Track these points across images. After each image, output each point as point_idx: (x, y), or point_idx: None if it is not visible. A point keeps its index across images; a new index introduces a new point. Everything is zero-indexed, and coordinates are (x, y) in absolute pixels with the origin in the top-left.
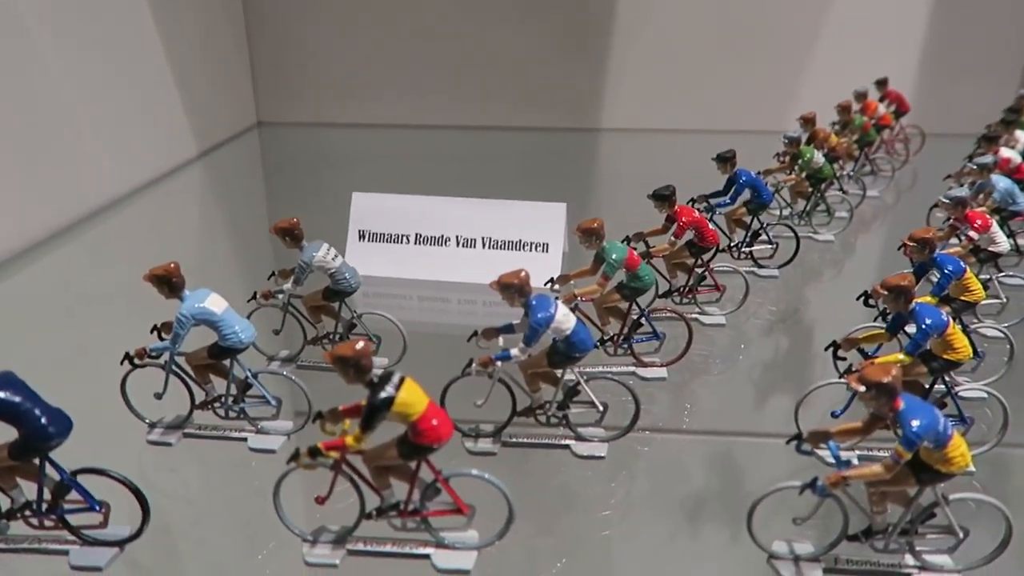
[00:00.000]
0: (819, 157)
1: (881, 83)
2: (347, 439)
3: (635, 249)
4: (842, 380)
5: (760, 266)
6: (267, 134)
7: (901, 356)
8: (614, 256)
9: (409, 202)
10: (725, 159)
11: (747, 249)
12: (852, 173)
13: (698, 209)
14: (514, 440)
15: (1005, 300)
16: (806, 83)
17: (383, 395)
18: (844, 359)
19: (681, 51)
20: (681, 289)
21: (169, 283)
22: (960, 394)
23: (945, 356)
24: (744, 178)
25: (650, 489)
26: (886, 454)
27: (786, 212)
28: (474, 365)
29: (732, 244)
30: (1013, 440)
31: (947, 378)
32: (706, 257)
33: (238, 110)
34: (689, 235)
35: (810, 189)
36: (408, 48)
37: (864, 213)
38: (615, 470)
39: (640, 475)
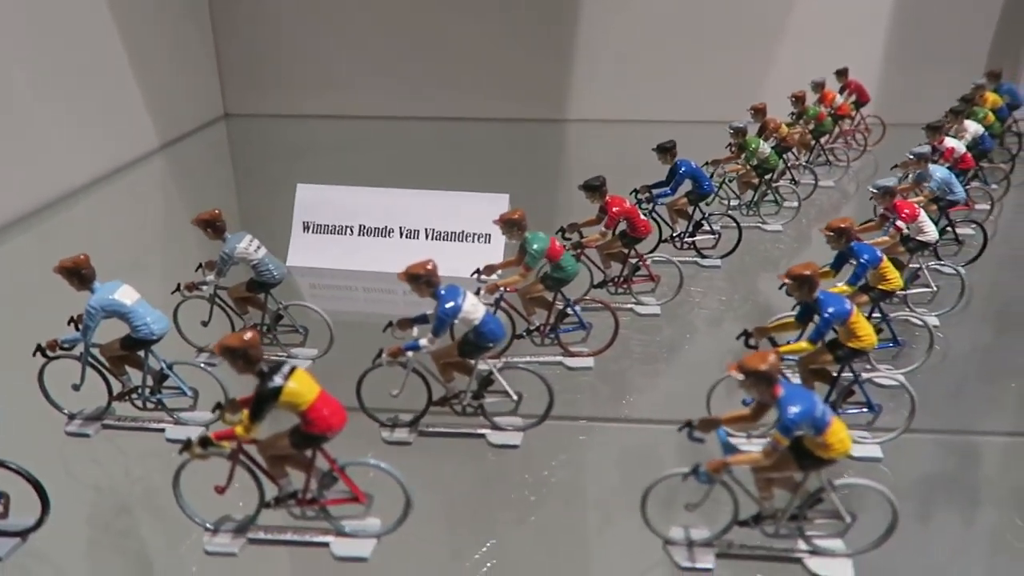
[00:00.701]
0: (765, 147)
1: (841, 73)
2: (237, 429)
3: (569, 239)
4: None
5: (703, 256)
6: (234, 126)
7: (804, 344)
8: (535, 247)
9: (353, 194)
10: (665, 149)
11: (689, 239)
12: (807, 163)
13: (640, 199)
14: (431, 430)
15: (935, 289)
16: (773, 73)
17: (271, 385)
18: (756, 347)
19: (648, 42)
20: (616, 279)
21: (79, 275)
22: (877, 381)
23: (849, 344)
24: (684, 168)
25: (574, 477)
26: None
27: (734, 203)
28: (384, 355)
29: (674, 234)
30: (926, 426)
31: (870, 366)
32: (640, 247)
33: (204, 102)
34: (622, 225)
35: (757, 179)
36: (377, 40)
37: (821, 203)
38: (541, 458)
39: (567, 464)
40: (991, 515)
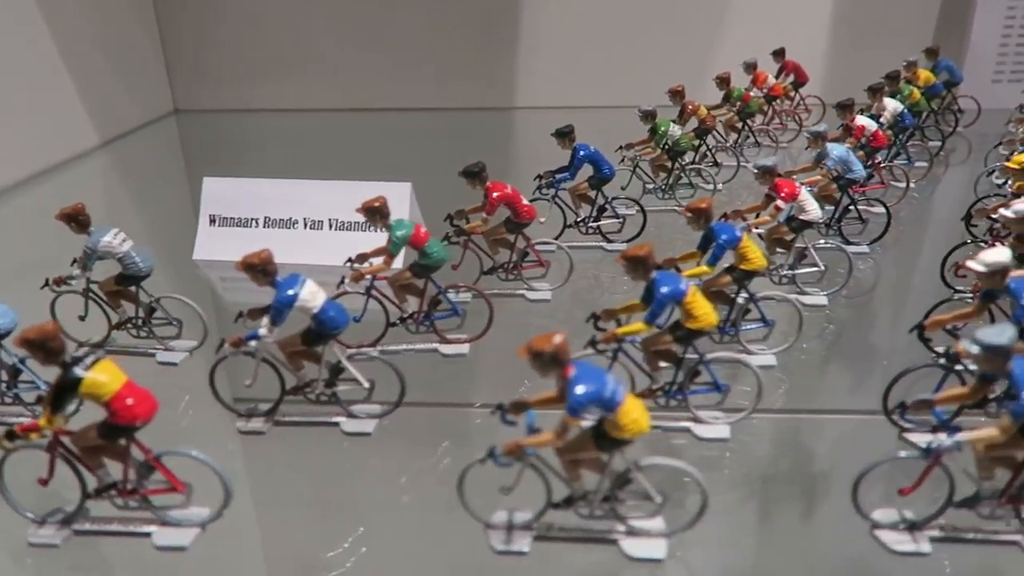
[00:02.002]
0: (675, 129)
1: (778, 53)
2: (40, 420)
3: (457, 226)
4: (593, 351)
5: (609, 241)
6: (185, 121)
7: (640, 325)
8: (398, 233)
9: (258, 185)
10: (563, 134)
11: (594, 224)
12: (735, 145)
13: (541, 185)
14: (287, 419)
15: (823, 268)
16: (716, 55)
17: (70, 376)
18: (603, 330)
19: (592, 28)
20: (505, 266)
21: None
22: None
23: (687, 325)
24: (583, 152)
25: (431, 464)
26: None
27: (650, 186)
28: (226, 345)
29: (579, 220)
30: (792, 406)
31: (742, 347)
32: (539, 232)
33: (150, 97)
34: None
35: (670, 162)
36: (328, 33)
37: (751, 185)
38: (400, 445)
39: (427, 450)
40: (825, 494)
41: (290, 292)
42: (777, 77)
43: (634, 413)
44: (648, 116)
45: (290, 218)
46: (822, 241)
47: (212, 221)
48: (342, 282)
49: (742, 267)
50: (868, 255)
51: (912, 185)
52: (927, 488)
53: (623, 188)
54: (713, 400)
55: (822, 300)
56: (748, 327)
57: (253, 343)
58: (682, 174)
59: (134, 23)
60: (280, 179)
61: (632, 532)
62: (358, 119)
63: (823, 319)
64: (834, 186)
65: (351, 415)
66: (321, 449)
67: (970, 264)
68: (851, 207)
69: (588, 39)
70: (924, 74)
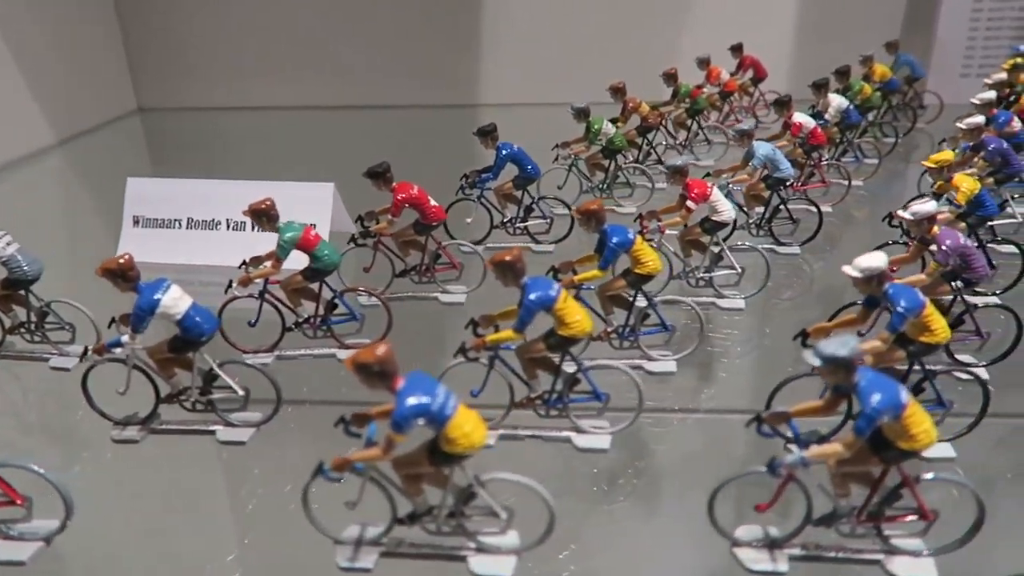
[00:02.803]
0: (609, 127)
1: (736, 49)
2: None
3: (367, 227)
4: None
5: (537, 241)
6: (149, 120)
7: (509, 332)
8: (286, 236)
9: (181, 186)
10: (485, 133)
11: (521, 224)
12: (684, 142)
13: (464, 185)
14: (163, 427)
15: (740, 270)
16: (681, 50)
17: None
18: (482, 336)
19: (555, 24)
20: (417, 268)
21: None
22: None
23: (560, 332)
24: (505, 151)
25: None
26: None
27: (587, 186)
28: (89, 352)
29: (505, 220)
30: (693, 414)
31: (642, 353)
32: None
33: (111, 95)
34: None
35: (606, 161)
36: (296, 31)
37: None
38: (276, 450)
39: (307, 454)
40: (698, 507)
41: (152, 297)
42: (735, 73)
43: (466, 427)
44: (581, 114)
45: (213, 219)
46: (740, 243)
47: (136, 222)
48: (230, 286)
49: (636, 271)
50: (798, 256)
51: (859, 183)
52: (792, 505)
53: (560, 187)
54: (597, 408)
55: (739, 304)
56: (647, 332)
57: (117, 350)
58: (619, 173)
59: (92, 19)
60: (203, 179)
61: (482, 549)
62: (324, 117)
63: (736, 323)
64: (762, 185)
65: (228, 423)
66: (195, 458)
67: (845, 269)
68: (781, 207)
69: (550, 35)
70: (880, 69)
